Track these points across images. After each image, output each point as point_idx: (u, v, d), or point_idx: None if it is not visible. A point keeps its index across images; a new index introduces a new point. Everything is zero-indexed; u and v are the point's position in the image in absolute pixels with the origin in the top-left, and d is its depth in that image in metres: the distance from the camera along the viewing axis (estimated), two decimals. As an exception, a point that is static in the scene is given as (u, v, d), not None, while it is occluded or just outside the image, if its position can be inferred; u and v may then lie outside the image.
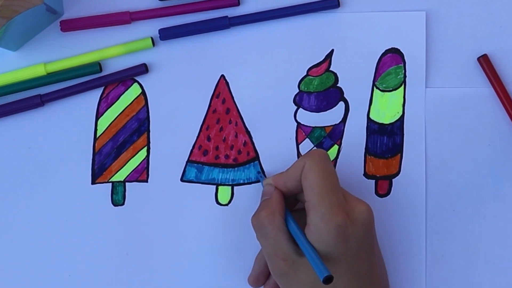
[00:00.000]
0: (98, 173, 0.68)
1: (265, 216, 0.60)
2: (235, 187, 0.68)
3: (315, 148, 0.62)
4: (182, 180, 0.68)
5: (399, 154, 0.67)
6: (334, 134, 0.67)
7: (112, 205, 0.68)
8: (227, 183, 0.68)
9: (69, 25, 0.68)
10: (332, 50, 0.67)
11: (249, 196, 0.68)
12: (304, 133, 0.67)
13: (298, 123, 0.67)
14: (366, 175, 0.67)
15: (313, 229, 0.58)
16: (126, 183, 0.68)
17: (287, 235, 0.59)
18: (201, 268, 0.68)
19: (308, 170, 0.60)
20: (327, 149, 0.67)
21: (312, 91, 0.67)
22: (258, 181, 0.68)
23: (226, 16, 0.67)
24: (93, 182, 0.68)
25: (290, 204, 0.64)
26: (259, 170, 0.67)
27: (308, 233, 0.58)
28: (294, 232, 0.59)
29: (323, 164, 0.60)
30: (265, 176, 0.67)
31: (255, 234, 0.61)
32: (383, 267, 0.63)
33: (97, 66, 0.68)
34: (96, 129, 0.69)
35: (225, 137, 0.68)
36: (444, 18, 0.66)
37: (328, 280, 0.55)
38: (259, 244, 0.61)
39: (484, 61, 0.66)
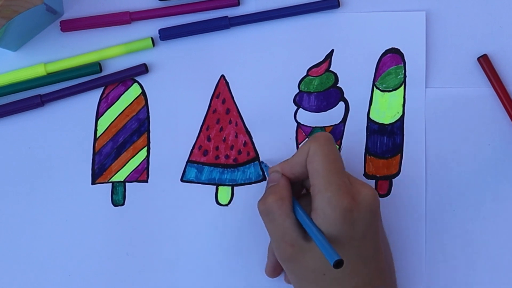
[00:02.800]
0: (98, 173, 0.68)
1: (274, 201, 0.59)
2: (235, 187, 0.68)
3: (319, 131, 0.61)
4: (182, 180, 0.68)
5: (399, 154, 0.67)
6: (334, 134, 0.67)
7: (112, 205, 0.68)
8: (227, 183, 0.68)
9: (69, 25, 0.68)
10: (332, 50, 0.67)
11: (249, 196, 0.68)
12: (304, 133, 0.67)
13: (298, 123, 0.67)
14: (366, 175, 0.67)
15: (320, 213, 0.58)
16: (126, 183, 0.68)
17: (295, 220, 0.59)
18: (201, 268, 0.68)
19: (313, 154, 0.59)
20: (327, 149, 0.67)
21: (312, 91, 0.67)
22: (258, 181, 0.68)
23: (226, 16, 0.67)
24: (93, 182, 0.68)
25: (296, 192, 0.63)
26: (262, 160, 0.67)
27: (315, 218, 0.58)
28: (301, 217, 0.59)
29: (328, 148, 0.59)
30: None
31: (262, 219, 0.60)
32: (389, 251, 0.63)
33: (97, 66, 0.68)
34: (96, 129, 0.69)
35: (225, 137, 0.68)
36: (444, 18, 0.66)
37: (338, 264, 0.54)
38: (266, 229, 0.61)
39: (484, 61, 0.66)
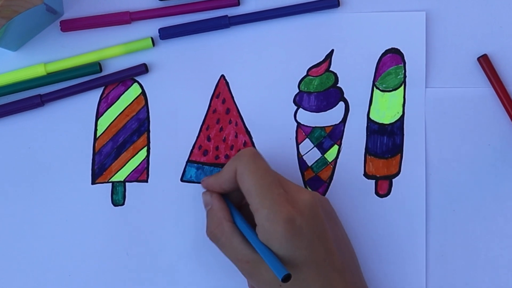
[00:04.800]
0: (98, 173, 0.68)
1: (215, 228, 0.61)
2: (235, 187, 0.68)
3: (242, 148, 0.62)
4: (182, 180, 0.68)
5: (399, 154, 0.67)
6: (334, 134, 0.67)
7: (112, 205, 0.68)
8: (227, 183, 0.68)
9: (69, 25, 0.68)
10: (332, 50, 0.67)
11: (249, 196, 0.68)
12: (304, 133, 0.67)
13: (298, 123, 0.67)
14: (366, 175, 0.67)
15: (262, 230, 0.59)
16: (126, 183, 0.68)
17: (242, 237, 0.60)
18: (201, 268, 0.68)
19: (241, 175, 0.60)
20: (327, 149, 0.67)
21: (312, 91, 0.67)
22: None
23: (226, 16, 0.67)
24: (93, 182, 0.68)
25: (237, 198, 0.64)
26: (199, 166, 0.67)
27: (259, 234, 0.59)
28: (247, 234, 0.60)
29: (254, 165, 0.60)
30: None
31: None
32: (347, 249, 0.63)
33: (97, 66, 0.68)
34: (96, 129, 0.69)
35: (225, 137, 0.68)
36: (444, 18, 0.66)
37: (287, 278, 0.55)
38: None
39: (484, 61, 0.66)
